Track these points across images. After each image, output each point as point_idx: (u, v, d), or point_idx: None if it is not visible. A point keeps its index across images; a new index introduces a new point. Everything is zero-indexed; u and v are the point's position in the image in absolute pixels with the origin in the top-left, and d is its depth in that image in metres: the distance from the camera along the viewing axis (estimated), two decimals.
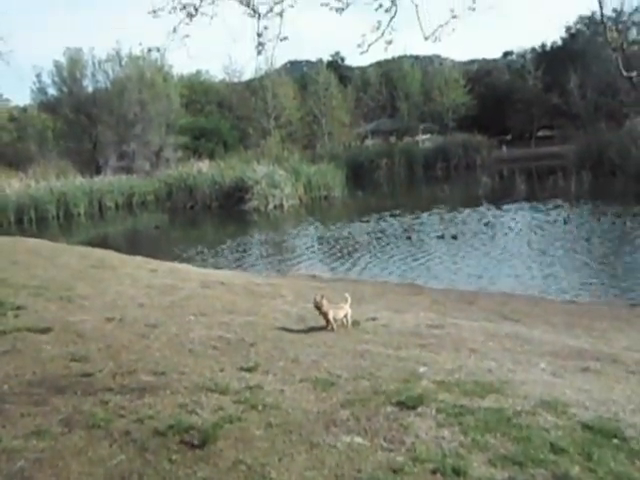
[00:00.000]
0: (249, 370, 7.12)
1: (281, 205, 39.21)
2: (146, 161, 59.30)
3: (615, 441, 5.11)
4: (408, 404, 5.83)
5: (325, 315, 9.40)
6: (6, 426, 5.50)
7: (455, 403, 5.91)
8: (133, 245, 28.62)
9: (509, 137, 76.40)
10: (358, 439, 5.15)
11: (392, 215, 31.83)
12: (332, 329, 9.35)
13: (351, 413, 5.68)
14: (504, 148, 68.84)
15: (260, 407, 5.85)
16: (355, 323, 9.72)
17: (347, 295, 9.80)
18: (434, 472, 4.61)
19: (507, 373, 7.06)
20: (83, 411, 5.81)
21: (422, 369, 7.11)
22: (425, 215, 31.23)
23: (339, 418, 5.58)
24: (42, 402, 6.09)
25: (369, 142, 73.08)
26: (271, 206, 38.89)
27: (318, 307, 9.38)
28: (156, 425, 5.40)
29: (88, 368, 7.18)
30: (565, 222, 25.57)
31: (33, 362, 7.50)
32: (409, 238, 24.61)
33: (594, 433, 5.25)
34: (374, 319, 10.36)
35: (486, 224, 26.71)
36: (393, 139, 72.13)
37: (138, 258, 19.38)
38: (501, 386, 6.44)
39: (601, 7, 6.51)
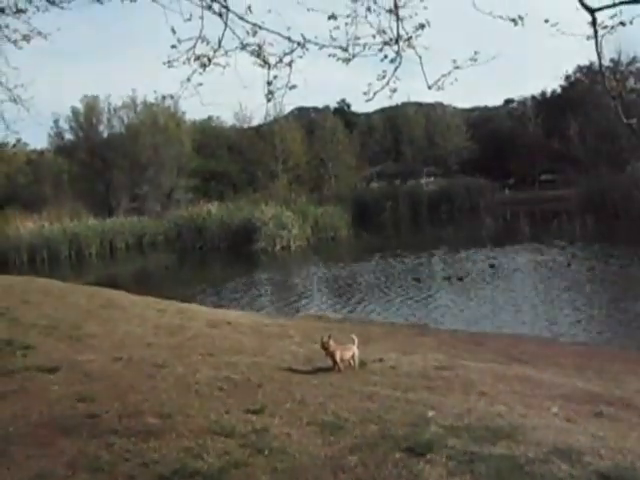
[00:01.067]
0: (255, 412, 6.89)
1: (288, 246, 39.16)
2: (157, 203, 59.56)
3: None
4: (417, 450, 5.57)
5: (332, 356, 9.18)
6: (10, 468, 5.31)
7: (465, 449, 5.64)
8: (142, 285, 28.47)
9: (511, 181, 76.57)
10: None
11: (398, 255, 31.69)
12: (339, 370, 9.13)
13: (359, 459, 5.43)
14: (507, 191, 68.96)
15: (266, 451, 5.61)
16: (362, 364, 9.49)
17: (354, 336, 9.60)
18: None
19: (518, 418, 6.79)
20: (88, 454, 5.59)
21: (431, 413, 6.85)
22: (430, 256, 31.06)
23: (347, 464, 5.33)
24: (47, 444, 5.88)
25: (374, 185, 73.33)
26: (278, 247, 38.84)
27: (325, 348, 9.19)
28: (161, 470, 5.18)
29: (94, 409, 6.97)
30: (569, 264, 25.35)
31: (40, 402, 7.33)
32: (417, 280, 24.37)
33: None
34: (381, 360, 10.12)
35: (491, 266, 26.51)
36: (398, 182, 72.40)
37: (147, 298, 19.23)
38: (512, 431, 6.16)
39: (599, 57, 6.48)
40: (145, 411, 6.86)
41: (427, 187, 70.38)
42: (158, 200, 60.11)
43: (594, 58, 6.68)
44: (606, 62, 51.49)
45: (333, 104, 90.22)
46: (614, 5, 5.90)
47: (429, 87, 6.99)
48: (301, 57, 7.02)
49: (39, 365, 9.17)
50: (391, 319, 17.85)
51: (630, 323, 15.63)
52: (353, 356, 9.39)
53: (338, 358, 9.20)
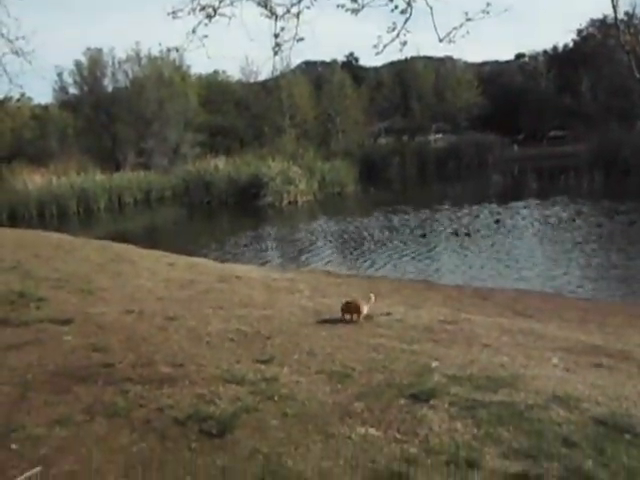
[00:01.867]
0: (265, 362, 7.13)
1: (295, 201, 39.21)
2: (164, 157, 59.41)
3: (627, 436, 5.06)
4: (421, 397, 5.82)
5: (357, 311, 9.51)
6: (30, 413, 5.55)
7: (468, 397, 5.88)
8: (151, 239, 28.68)
9: (521, 137, 75.98)
10: (372, 431, 5.15)
11: (404, 211, 31.75)
12: (354, 321, 9.43)
13: (365, 405, 5.68)
14: (515, 147, 68.50)
15: (276, 398, 5.86)
16: (369, 318, 9.72)
17: (372, 295, 9.89)
18: (447, 464, 4.59)
19: (519, 368, 7.02)
20: (104, 400, 5.84)
21: (435, 363, 7.09)
22: (437, 212, 31.14)
23: (354, 410, 5.58)
24: (65, 391, 6.12)
25: (382, 140, 72.83)
26: (286, 202, 38.90)
27: (351, 306, 9.52)
28: (175, 414, 5.43)
29: (109, 359, 7.22)
30: (574, 220, 25.45)
31: (55, 352, 7.57)
32: (423, 235, 24.52)
33: (607, 428, 5.20)
34: (388, 314, 10.33)
35: (497, 221, 26.60)
36: (406, 138, 71.92)
37: (156, 252, 19.46)
38: (513, 380, 6.40)
39: (615, 10, 6.46)
40: (158, 361, 7.12)
41: (435, 143, 69.91)
42: (165, 155, 59.95)
43: (607, 11, 6.69)
44: (621, 15, 50.83)
45: (341, 58, 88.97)
46: None
47: (440, 40, 6.88)
48: (309, 8, 6.88)
49: (52, 317, 9.42)
50: (398, 274, 18.03)
51: (634, 279, 15.80)
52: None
53: (365, 312, 9.57)
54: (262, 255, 23.35)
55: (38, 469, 4.50)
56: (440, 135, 74.26)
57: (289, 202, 38.97)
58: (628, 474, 4.44)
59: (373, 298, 9.81)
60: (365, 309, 9.61)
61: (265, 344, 8.02)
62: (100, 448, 4.85)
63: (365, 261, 20.61)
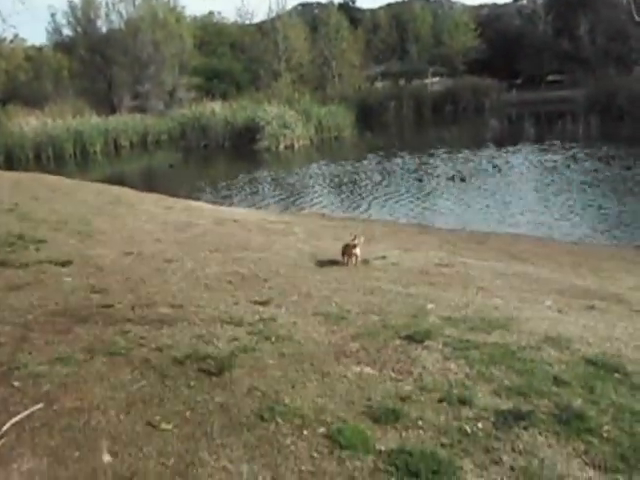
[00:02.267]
0: (262, 304, 7.19)
1: (292, 145, 38.98)
2: (160, 101, 58.75)
3: (617, 375, 5.14)
4: (416, 338, 5.88)
5: (352, 254, 9.53)
6: (32, 353, 5.60)
7: (461, 338, 5.95)
8: (148, 182, 28.60)
9: (519, 81, 75.15)
10: (368, 369, 5.22)
11: (401, 156, 31.63)
12: (350, 264, 9.46)
13: (361, 345, 5.74)
14: (514, 92, 67.79)
15: (273, 338, 5.92)
16: (365, 261, 9.77)
17: (361, 236, 9.91)
18: (440, 401, 4.66)
19: (513, 310, 7.08)
20: (104, 340, 5.89)
21: (430, 305, 7.16)
22: (433, 156, 31.03)
23: (349, 350, 5.65)
24: (65, 331, 6.17)
25: (379, 84, 71.91)
26: (282, 146, 38.67)
27: (349, 248, 9.54)
28: (175, 354, 5.49)
29: (108, 300, 7.26)
30: (570, 165, 25.40)
31: (55, 293, 7.60)
32: (420, 180, 24.52)
33: (597, 368, 5.28)
34: (384, 257, 10.39)
35: (494, 166, 26.54)
36: (402, 82, 71.07)
37: (154, 195, 19.44)
38: (507, 322, 6.47)
39: None
40: (157, 302, 7.17)
41: (432, 87, 69.12)
42: (160, 98, 59.27)
43: None
44: None
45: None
46: None
47: None
48: None
49: (52, 258, 9.44)
50: (394, 218, 18.07)
51: (628, 223, 15.86)
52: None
53: (359, 255, 9.59)
54: (258, 198, 23.34)
55: (40, 405, 4.58)
56: (437, 79, 73.36)
57: (285, 146, 38.74)
58: (616, 411, 4.52)
59: (362, 240, 9.82)
60: (356, 252, 9.64)
61: (262, 286, 8.08)
62: (101, 385, 4.91)
63: (361, 205, 20.63)
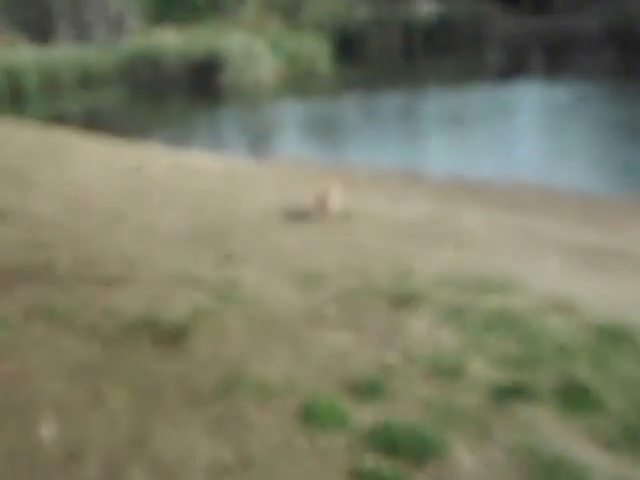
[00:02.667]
0: (226, 262, 7.22)
1: (259, 81, 38.62)
2: (105, 31, 57.78)
3: (627, 345, 5.25)
4: (401, 301, 5.95)
5: (328, 202, 9.56)
6: None
7: (453, 301, 6.01)
8: (93, 125, 28.20)
9: (524, 7, 74.76)
10: (346, 336, 5.28)
11: (386, 93, 31.41)
12: (331, 217, 9.54)
13: (339, 309, 5.81)
14: (518, 18, 67.42)
15: (239, 301, 5.96)
16: (344, 214, 9.79)
17: (338, 185, 9.88)
18: (428, 372, 4.73)
19: (513, 270, 7.14)
20: (46, 301, 5.90)
21: (418, 264, 7.22)
22: (424, 93, 30.89)
23: (326, 314, 5.71)
24: (4, 289, 6.18)
25: (360, 10, 71.21)
26: (248, 82, 38.28)
27: (327, 198, 9.55)
28: (125, 318, 5.51)
29: (50, 256, 7.25)
30: (580, 105, 25.41)
31: None
32: (408, 121, 24.48)
33: (605, 335, 5.37)
34: (366, 210, 10.41)
35: (494, 105, 26.48)
36: (387, 7, 70.31)
37: (100, 139, 19.24)
38: (505, 284, 6.53)
39: None
40: (105, 259, 7.17)
41: (422, 13, 68.48)
42: (106, 28, 58.30)
43: None
44: None
45: None
46: None
47: None
48: None
49: None
50: (379, 165, 18.03)
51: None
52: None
53: (336, 206, 9.61)
54: (220, 142, 23.19)
55: None
56: (428, 3, 72.69)
57: (252, 82, 38.36)
58: (624, 384, 4.62)
59: (338, 189, 9.82)
60: (333, 202, 9.66)
61: (225, 242, 8.10)
62: (42, 351, 4.93)
63: (340, 150, 20.54)
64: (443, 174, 16.64)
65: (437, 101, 28.65)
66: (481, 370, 4.77)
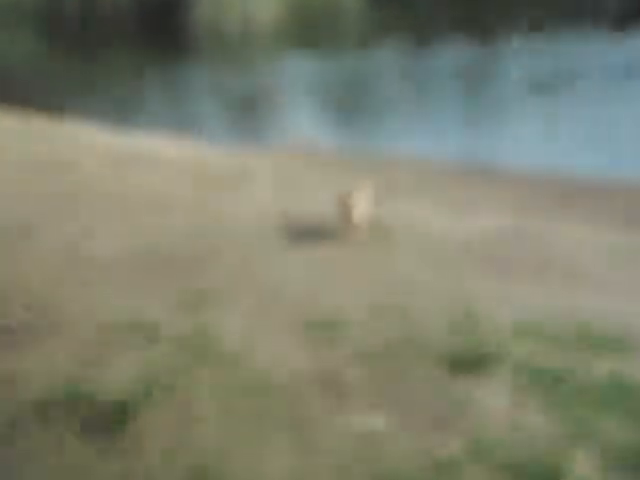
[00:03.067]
0: (195, 303, 7.20)
1: (249, 21, 38.47)
2: None
3: None
4: (463, 364, 5.91)
5: (352, 213, 9.57)
6: None
7: (542, 363, 5.98)
8: None
9: None
10: (378, 416, 5.26)
11: (441, 45, 31.46)
12: (358, 235, 9.60)
13: (367, 375, 5.77)
14: None
15: (215, 362, 5.92)
16: (378, 229, 9.82)
17: (367, 187, 9.91)
18: (506, 472, 4.67)
19: (632, 318, 7.10)
20: None
21: (488, 306, 7.20)
22: (498, 45, 30.88)
23: (346, 384, 5.68)
24: None
25: None
26: (233, 23, 38.22)
27: (351, 207, 9.55)
28: (35, 394, 5.49)
29: None
30: None
31: None
32: (474, 88, 24.42)
33: None
34: (410, 224, 10.42)
35: (607, 67, 26.43)
36: None
37: (7, 114, 19.32)
38: (622, 338, 6.48)
39: None
40: (10, 299, 7.17)
41: None
42: None
43: None
44: None
45: None
46: None
47: None
48: None
49: None
50: (429, 155, 18.02)
51: None
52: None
53: (363, 219, 9.65)
54: (188, 120, 23.27)
55: None
56: None
57: (239, 24, 38.26)
58: None
59: (368, 193, 9.86)
60: (360, 212, 9.68)
61: (196, 273, 8.10)
62: None
63: (372, 132, 20.59)
64: (525, 169, 16.61)
65: (519, 59, 28.61)
66: (589, 473, 4.71)
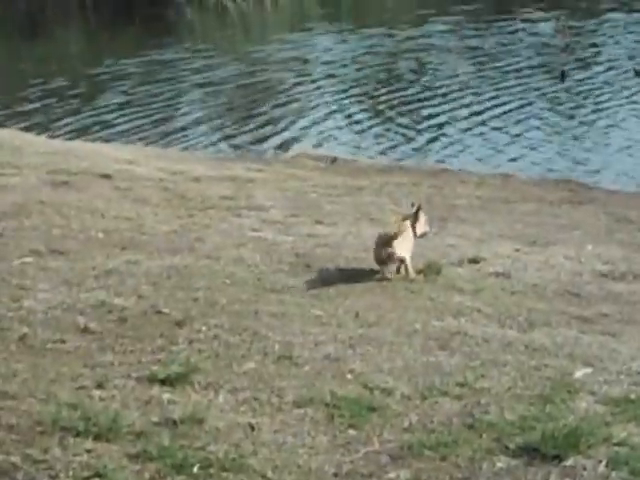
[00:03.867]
0: (169, 382, 7.24)
1: None
2: None
3: None
4: (546, 450, 5.95)
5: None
6: None
7: None
8: None
9: None
10: None
11: (514, 17, 31.72)
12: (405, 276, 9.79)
13: (411, 476, 5.82)
14: None
15: (195, 469, 5.91)
16: (434, 268, 9.96)
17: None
18: None
19: None
20: None
21: (580, 372, 7.26)
22: (593, 18, 31.06)
23: None
24: None
25: None
26: None
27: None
28: None
29: None
30: None
31: None
32: (562, 76, 24.56)
33: None
34: (476, 261, 10.53)
35: None
36: None
37: None
38: None
39: None
40: None
41: None
42: None
43: None
44: None
45: None
46: None
47: None
48: None
49: None
50: (501, 167, 18.13)
51: None
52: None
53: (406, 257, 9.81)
54: (169, 122, 23.57)
55: None
56: None
57: None
58: None
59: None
60: (405, 250, 9.83)
61: (171, 338, 8.17)
62: None
63: (420, 137, 20.76)
64: (632, 188, 16.66)
65: (621, 33, 28.77)
66: None
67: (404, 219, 9.86)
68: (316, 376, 7.43)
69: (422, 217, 10.06)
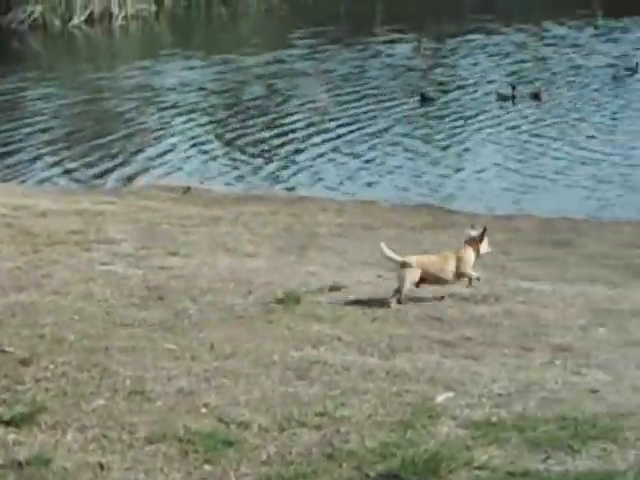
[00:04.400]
0: (15, 422, 7.15)
1: (107, 16, 38.72)
2: None
3: None
4: (409, 477, 5.94)
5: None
6: None
7: (507, 466, 6.12)
8: None
9: None
10: None
11: (387, 34, 32.07)
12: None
13: None
14: None
15: None
16: (293, 297, 10.06)
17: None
18: None
19: (629, 396, 7.33)
20: None
21: (441, 396, 7.46)
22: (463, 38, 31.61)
23: None
24: None
25: None
26: (79, 16, 38.43)
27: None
28: None
29: None
30: None
31: None
32: (511, 97, 25.17)
33: None
34: (337, 288, 10.71)
35: None
36: None
37: None
38: (615, 427, 6.65)
39: None
40: None
41: None
42: None
43: None
44: None
45: None
46: None
47: None
48: None
49: None
50: (359, 195, 18.34)
51: None
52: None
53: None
54: (8, 154, 23.58)
55: None
56: None
57: (87, 18, 38.46)
58: None
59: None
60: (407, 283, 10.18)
61: (15, 377, 8.09)
62: None
63: (273, 164, 21.15)
64: (508, 209, 16.98)
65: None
66: None
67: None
68: (169, 411, 7.44)
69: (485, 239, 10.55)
